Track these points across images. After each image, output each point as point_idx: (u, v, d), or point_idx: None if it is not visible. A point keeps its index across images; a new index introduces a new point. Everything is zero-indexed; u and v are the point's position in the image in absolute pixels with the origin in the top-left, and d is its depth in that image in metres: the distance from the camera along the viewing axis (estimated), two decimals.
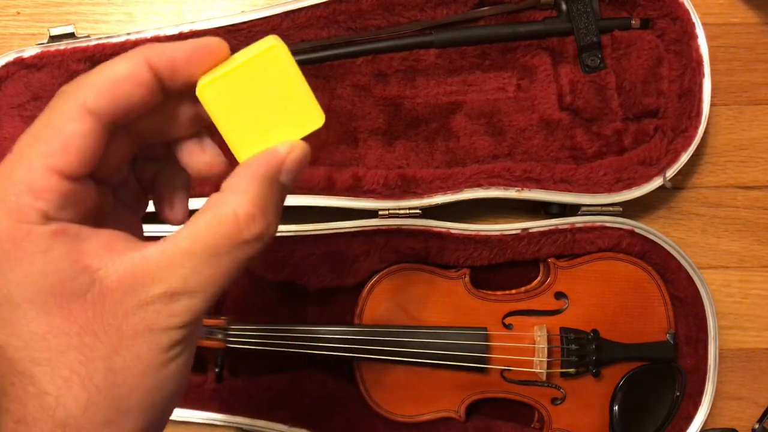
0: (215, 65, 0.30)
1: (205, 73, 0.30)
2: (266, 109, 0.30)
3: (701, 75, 0.59)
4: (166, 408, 0.30)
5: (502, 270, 0.64)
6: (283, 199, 0.31)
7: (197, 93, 0.30)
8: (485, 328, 0.60)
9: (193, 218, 0.29)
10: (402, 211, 0.61)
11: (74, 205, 0.29)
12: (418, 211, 0.61)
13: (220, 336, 0.59)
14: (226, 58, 0.30)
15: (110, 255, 0.28)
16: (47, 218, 0.28)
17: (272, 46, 0.29)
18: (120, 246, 0.29)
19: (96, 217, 0.31)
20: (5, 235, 0.27)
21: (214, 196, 0.30)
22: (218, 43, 0.30)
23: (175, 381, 0.29)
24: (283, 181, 0.31)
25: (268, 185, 0.30)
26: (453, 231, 0.61)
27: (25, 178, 0.28)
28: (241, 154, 0.31)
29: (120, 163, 0.33)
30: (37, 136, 0.28)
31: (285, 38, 0.61)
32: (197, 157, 0.33)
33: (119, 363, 0.28)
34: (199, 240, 0.28)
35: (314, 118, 0.30)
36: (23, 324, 0.27)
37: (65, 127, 0.28)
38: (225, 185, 0.30)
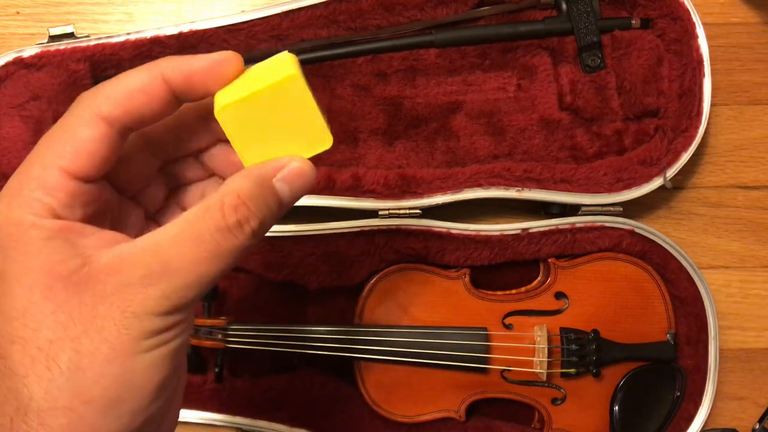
0: (231, 80, 0.31)
1: (220, 88, 0.31)
2: (279, 129, 0.31)
3: (701, 75, 0.59)
4: (139, 409, 0.28)
5: (502, 270, 0.64)
6: (276, 206, 0.31)
7: (215, 114, 0.31)
8: (485, 328, 0.60)
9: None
10: (402, 211, 0.61)
11: (84, 205, 0.30)
12: (418, 211, 0.61)
13: (219, 336, 0.59)
14: (241, 72, 0.32)
15: (107, 246, 0.29)
16: (55, 215, 0.29)
17: (290, 75, 0.30)
18: (120, 241, 0.30)
19: (111, 221, 0.32)
20: (14, 221, 0.28)
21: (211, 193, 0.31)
22: (234, 58, 0.31)
23: (149, 377, 0.28)
24: (278, 188, 0.31)
25: (259, 184, 0.30)
26: (453, 231, 0.61)
27: (39, 175, 0.29)
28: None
29: (140, 173, 0.34)
30: (54, 138, 0.30)
31: (285, 38, 0.61)
32: (223, 162, 0.35)
33: (86, 345, 0.27)
34: (186, 226, 0.29)
35: (323, 140, 0.32)
36: (8, 300, 0.28)
37: (79, 132, 0.29)
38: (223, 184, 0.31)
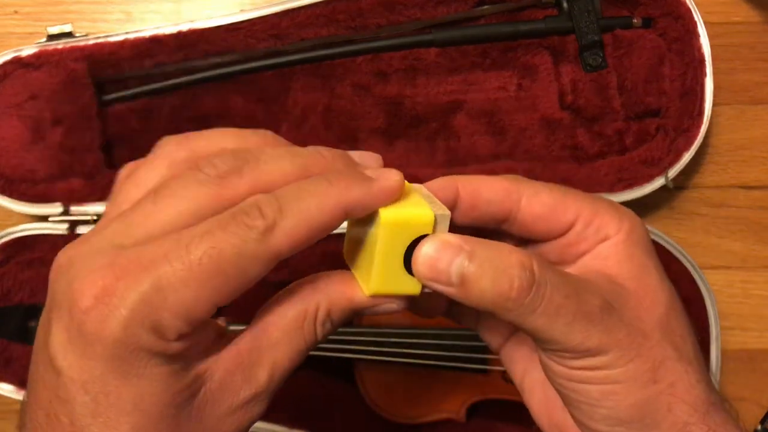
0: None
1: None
2: (364, 248, 0.30)
3: (703, 74, 0.59)
4: None
5: None
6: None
7: (382, 216, 0.29)
8: None
9: (280, 307, 0.30)
10: None
11: None
12: None
13: None
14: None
15: (210, 348, 0.28)
16: (182, 337, 0.26)
17: (382, 215, 0.28)
18: (212, 335, 0.29)
19: None
20: (136, 345, 0.25)
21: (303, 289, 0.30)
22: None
23: None
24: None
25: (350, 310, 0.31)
26: None
27: (188, 305, 0.25)
28: (371, 286, 0.30)
29: None
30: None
31: (284, 37, 0.60)
32: None
33: None
34: (285, 335, 0.29)
35: (368, 285, 0.30)
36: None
37: (248, 270, 0.28)
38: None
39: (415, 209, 0.29)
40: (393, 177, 0.29)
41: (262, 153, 0.28)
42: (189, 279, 0.25)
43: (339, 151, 0.30)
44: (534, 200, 0.31)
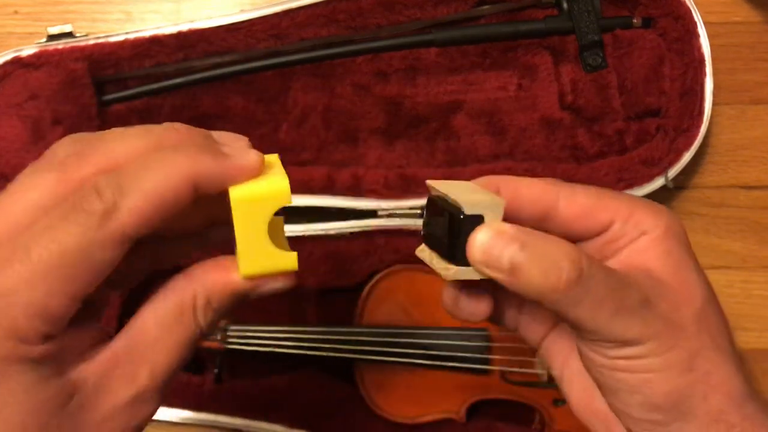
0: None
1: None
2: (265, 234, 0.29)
3: (703, 74, 0.59)
4: None
5: None
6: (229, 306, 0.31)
7: (231, 194, 0.27)
8: (486, 329, 0.60)
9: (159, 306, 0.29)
10: (402, 211, 0.60)
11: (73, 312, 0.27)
12: (418, 210, 0.60)
13: (218, 336, 0.59)
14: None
15: (86, 353, 0.28)
16: (47, 338, 0.26)
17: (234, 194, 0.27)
18: (89, 339, 0.28)
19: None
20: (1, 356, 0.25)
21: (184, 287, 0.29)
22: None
23: None
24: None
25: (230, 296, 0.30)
26: None
27: (40, 302, 0.25)
28: (242, 269, 0.29)
29: (140, 274, 0.32)
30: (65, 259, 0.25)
31: (284, 37, 0.61)
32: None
33: None
34: (165, 331, 0.28)
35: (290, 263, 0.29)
36: None
37: (97, 256, 0.26)
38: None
39: (265, 182, 0.27)
40: (249, 156, 0.28)
41: (109, 132, 0.27)
42: (32, 279, 0.24)
43: (197, 128, 0.29)
44: (571, 201, 0.32)
